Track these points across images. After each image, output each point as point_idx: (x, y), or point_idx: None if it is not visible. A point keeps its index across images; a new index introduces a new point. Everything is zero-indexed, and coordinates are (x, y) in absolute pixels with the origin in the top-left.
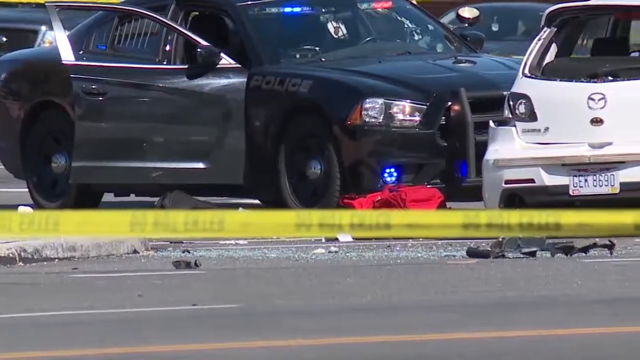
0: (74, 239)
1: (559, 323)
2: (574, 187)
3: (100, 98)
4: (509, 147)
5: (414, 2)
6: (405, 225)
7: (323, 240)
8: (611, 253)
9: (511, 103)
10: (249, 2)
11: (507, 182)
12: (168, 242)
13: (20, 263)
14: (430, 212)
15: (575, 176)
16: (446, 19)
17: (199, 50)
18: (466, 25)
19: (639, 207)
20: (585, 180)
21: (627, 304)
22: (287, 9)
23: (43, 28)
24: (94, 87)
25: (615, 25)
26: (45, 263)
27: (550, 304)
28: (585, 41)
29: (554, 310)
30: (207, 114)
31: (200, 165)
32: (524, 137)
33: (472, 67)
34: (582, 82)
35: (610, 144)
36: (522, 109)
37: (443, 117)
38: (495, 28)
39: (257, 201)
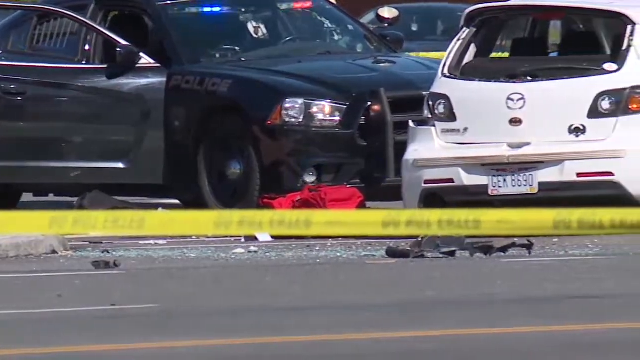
0: None
1: (479, 322)
2: (493, 187)
3: (19, 98)
4: (428, 147)
5: (334, 1)
6: (325, 223)
7: (242, 240)
8: (530, 253)
9: (430, 103)
10: (169, 2)
11: (426, 182)
12: (87, 242)
13: None
14: (350, 211)
15: (494, 176)
16: (366, 18)
17: (118, 49)
18: (386, 25)
19: (556, 206)
20: (504, 180)
21: (545, 303)
22: (207, 9)
23: None
24: (12, 86)
25: (534, 25)
26: None
27: (470, 303)
28: (504, 41)
29: (473, 309)
30: (127, 114)
31: (120, 165)
32: (443, 137)
33: (392, 67)
34: (501, 82)
35: (529, 144)
36: (441, 109)
37: (363, 117)
38: (414, 28)
39: (177, 201)
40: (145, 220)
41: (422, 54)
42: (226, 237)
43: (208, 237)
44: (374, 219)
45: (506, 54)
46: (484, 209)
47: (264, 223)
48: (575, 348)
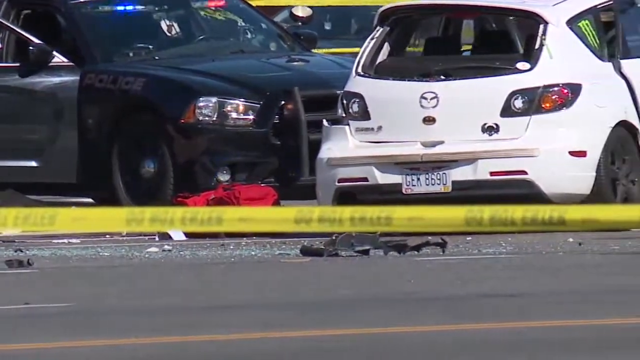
0: None
1: (392, 321)
2: (407, 185)
3: None
4: (342, 146)
5: (248, 0)
6: (237, 220)
7: (157, 239)
8: (443, 251)
9: (344, 102)
10: (81, 0)
11: (340, 180)
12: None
13: None
14: (262, 208)
15: (408, 175)
16: (279, 17)
17: (31, 48)
18: (299, 24)
19: (469, 204)
20: (418, 178)
21: (459, 302)
22: (120, 8)
23: None
24: None
25: (447, 24)
26: None
27: (384, 302)
28: (417, 40)
29: (387, 308)
30: (40, 112)
31: (33, 163)
32: (357, 136)
33: (306, 66)
34: (415, 81)
35: (442, 142)
36: (355, 107)
37: (276, 116)
38: (328, 27)
39: (90, 200)
40: (56, 217)
41: (338, 50)
42: (140, 235)
43: (122, 236)
44: (286, 216)
45: (419, 55)
46: (396, 206)
47: (176, 220)
48: (489, 346)
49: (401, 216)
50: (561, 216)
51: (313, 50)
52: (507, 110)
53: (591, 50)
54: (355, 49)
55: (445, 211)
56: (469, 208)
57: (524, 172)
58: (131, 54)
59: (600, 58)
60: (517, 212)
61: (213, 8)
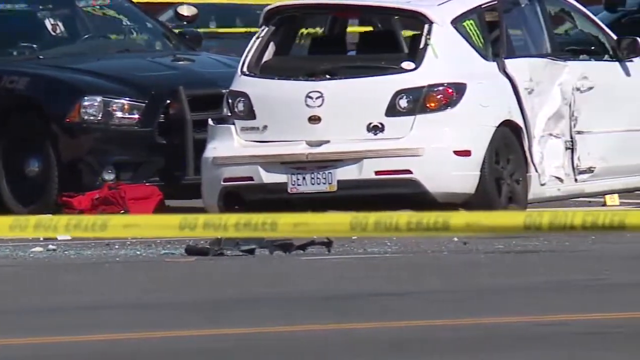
0: None
1: (278, 320)
2: (292, 184)
3: None
4: (227, 145)
5: None
6: (122, 226)
7: (41, 239)
8: (329, 251)
9: (230, 101)
10: None
11: (225, 180)
12: None
13: None
14: (147, 215)
15: (294, 174)
16: (164, 16)
17: None
18: (184, 23)
19: (356, 204)
20: (304, 178)
21: (345, 301)
22: (2, 6)
23: None
24: None
25: (333, 23)
26: None
27: (269, 301)
28: (302, 40)
29: (272, 307)
30: None
31: None
32: (242, 135)
33: (191, 65)
34: (300, 80)
35: (327, 142)
36: (240, 107)
37: (162, 115)
38: (213, 26)
39: None
40: None
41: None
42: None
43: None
44: (170, 223)
45: (304, 54)
46: (282, 212)
47: (60, 227)
48: (376, 346)
49: (286, 222)
50: (446, 221)
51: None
52: (392, 110)
53: (476, 50)
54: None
55: (331, 217)
56: (354, 214)
57: (409, 172)
58: (15, 53)
59: (485, 58)
60: (402, 218)
61: (98, 6)
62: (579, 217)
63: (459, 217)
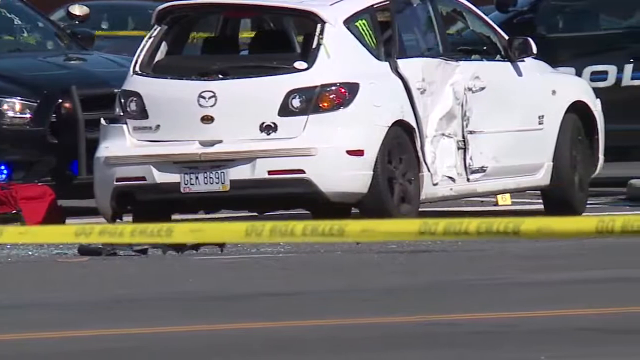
0: None
1: (170, 320)
2: (185, 184)
3: None
4: (120, 145)
5: None
6: (17, 234)
7: None
8: (222, 251)
9: (122, 101)
10: None
11: (118, 179)
12: None
13: None
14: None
15: (187, 174)
16: (56, 16)
17: None
18: (76, 22)
19: (248, 204)
20: (197, 177)
21: (239, 301)
22: None
23: None
24: None
25: (225, 23)
26: None
27: (162, 301)
28: (195, 39)
29: (166, 307)
30: None
31: None
32: (135, 135)
33: (83, 65)
34: (193, 80)
35: (220, 142)
36: (133, 106)
37: (54, 115)
38: (105, 25)
39: None
40: None
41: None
42: None
43: None
44: (66, 231)
45: (197, 54)
46: (177, 223)
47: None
48: (269, 345)
49: (181, 230)
50: (341, 228)
51: None
52: (285, 110)
53: (368, 50)
54: None
55: (226, 225)
56: (250, 223)
57: (302, 171)
58: None
59: (377, 58)
60: (298, 225)
61: None
62: (474, 224)
63: (355, 225)
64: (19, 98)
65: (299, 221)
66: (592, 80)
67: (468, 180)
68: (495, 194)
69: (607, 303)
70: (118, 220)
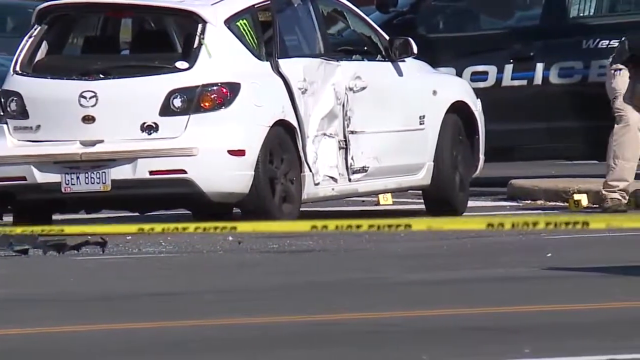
0: None
1: (53, 321)
2: (66, 184)
3: None
4: (0, 145)
5: None
6: None
7: None
8: (103, 251)
9: (2, 100)
10: None
11: None
12: None
13: None
14: None
15: (67, 174)
16: None
17: None
18: None
19: (129, 204)
20: (78, 177)
21: (121, 301)
22: None
23: None
24: None
25: (106, 23)
26: None
27: (44, 302)
28: (76, 39)
29: (47, 308)
30: None
31: None
32: (15, 135)
33: None
34: (74, 79)
35: (102, 141)
36: (13, 106)
37: None
38: None
39: None
40: None
41: None
42: None
43: None
44: None
45: (78, 54)
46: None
47: None
48: (152, 345)
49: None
50: (233, 226)
51: None
52: (166, 110)
53: (249, 50)
54: None
55: (117, 228)
56: (140, 226)
57: (183, 171)
58: None
59: (259, 57)
60: (190, 227)
61: None
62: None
63: (245, 226)
64: None
65: (186, 223)
66: (472, 80)
67: (349, 180)
68: (376, 193)
69: (486, 302)
70: None
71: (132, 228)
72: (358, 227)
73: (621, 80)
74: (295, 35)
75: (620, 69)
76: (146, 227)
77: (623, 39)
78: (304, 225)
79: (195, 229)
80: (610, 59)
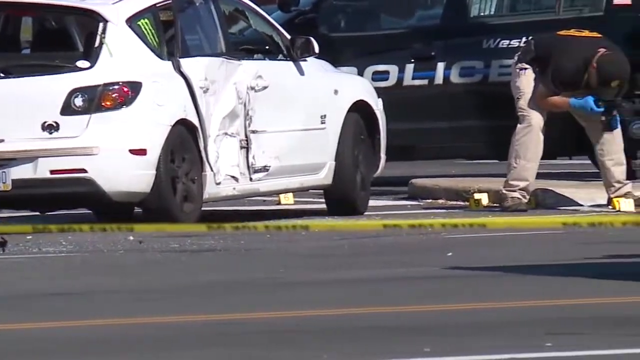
0: None
1: None
2: None
3: None
4: None
5: None
6: None
7: None
8: (3, 250)
9: None
10: None
11: None
12: None
13: None
14: None
15: None
16: None
17: None
18: None
19: (31, 204)
20: None
21: (22, 300)
22: None
23: None
24: None
25: (6, 21)
26: None
27: None
28: None
29: None
30: None
31: None
32: None
33: None
34: None
35: (2, 141)
36: None
37: None
38: None
39: None
40: None
41: None
42: None
43: None
44: None
45: None
46: None
47: None
48: (50, 346)
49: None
50: (130, 226)
51: None
52: (67, 109)
53: (151, 49)
54: None
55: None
56: (34, 226)
57: (84, 171)
58: None
59: (160, 57)
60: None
61: None
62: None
63: (144, 226)
64: None
65: (83, 223)
66: (373, 79)
67: (251, 179)
68: (278, 193)
69: (387, 302)
70: None
71: (27, 228)
72: (255, 227)
73: (526, 79)
74: (196, 35)
75: (525, 68)
76: (40, 226)
77: (530, 38)
78: (200, 227)
79: (91, 229)
80: (516, 58)
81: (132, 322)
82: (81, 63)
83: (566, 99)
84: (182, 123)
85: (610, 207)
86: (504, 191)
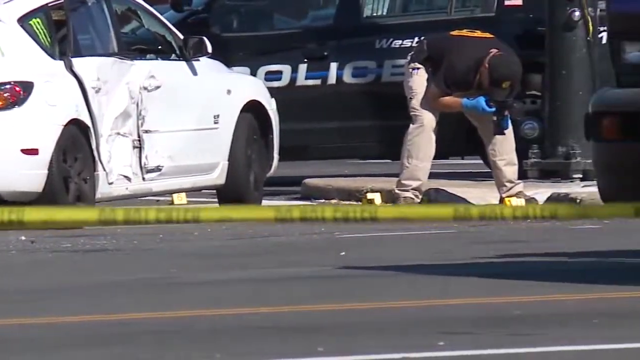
0: None
1: None
2: None
3: None
4: None
5: None
6: None
7: None
8: None
9: None
10: None
11: None
12: None
13: None
14: None
15: None
16: None
17: None
18: None
19: None
20: None
21: None
22: None
23: None
24: None
25: None
26: None
27: None
28: None
29: None
30: None
31: None
32: None
33: None
34: None
35: None
36: None
37: None
38: None
39: None
40: None
41: None
42: None
43: None
44: None
45: None
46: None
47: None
48: None
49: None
50: (20, 218)
51: None
52: None
53: (43, 49)
54: None
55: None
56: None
57: None
58: None
59: (52, 56)
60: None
61: None
62: (152, 213)
63: (33, 213)
64: None
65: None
66: (267, 80)
67: (144, 179)
68: (171, 193)
69: (280, 302)
70: None
71: None
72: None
73: (418, 79)
74: (89, 34)
75: (417, 68)
76: None
77: (422, 38)
78: (91, 212)
79: None
80: (409, 58)
81: (16, 323)
82: None
83: (458, 99)
84: (75, 123)
85: None
86: (397, 191)
